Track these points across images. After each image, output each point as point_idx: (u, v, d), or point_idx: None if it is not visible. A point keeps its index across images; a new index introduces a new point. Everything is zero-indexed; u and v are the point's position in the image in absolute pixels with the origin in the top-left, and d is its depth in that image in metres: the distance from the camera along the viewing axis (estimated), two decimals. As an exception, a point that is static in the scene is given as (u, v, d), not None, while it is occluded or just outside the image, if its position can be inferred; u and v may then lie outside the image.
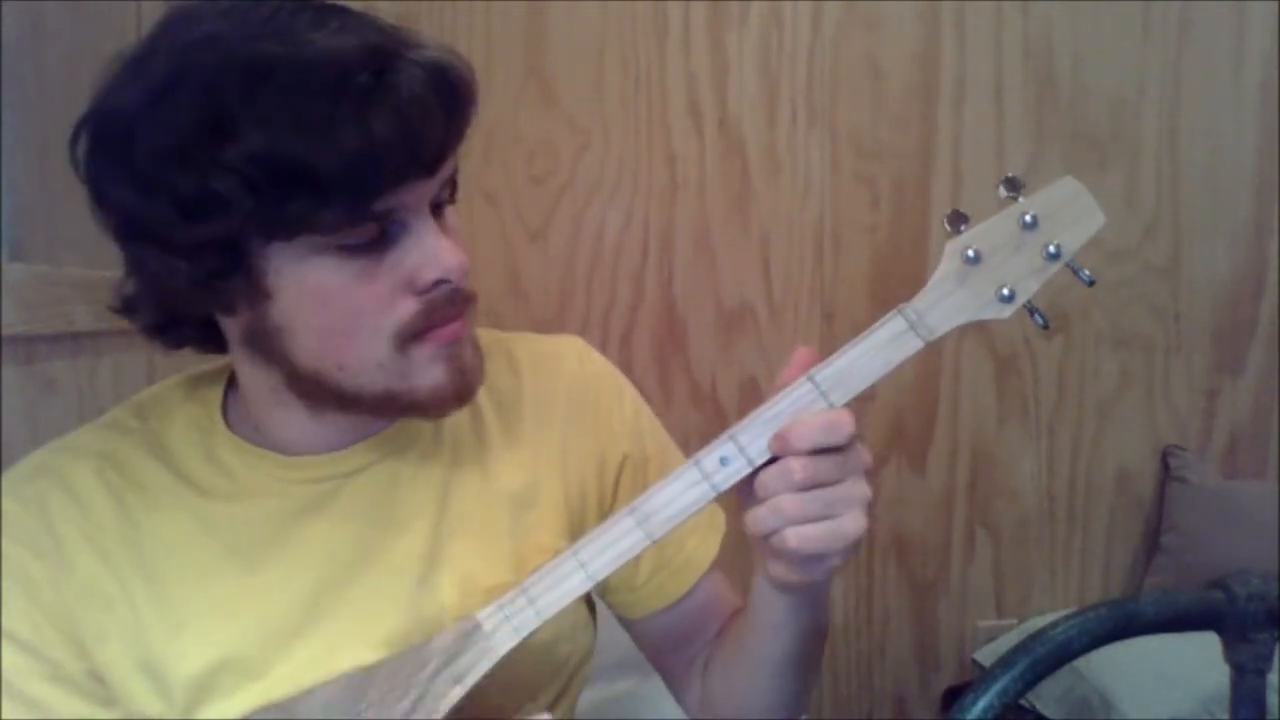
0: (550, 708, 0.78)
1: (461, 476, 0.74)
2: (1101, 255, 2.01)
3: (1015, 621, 2.09)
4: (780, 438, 0.60)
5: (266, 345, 0.65)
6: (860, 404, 0.62)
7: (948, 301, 0.61)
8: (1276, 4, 2.06)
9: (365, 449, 0.72)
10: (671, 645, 0.83)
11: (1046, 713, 1.81)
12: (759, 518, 0.60)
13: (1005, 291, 0.61)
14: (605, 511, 0.79)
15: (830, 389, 0.61)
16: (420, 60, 0.60)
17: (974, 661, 2.03)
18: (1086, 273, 0.62)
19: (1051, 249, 0.61)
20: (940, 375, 2.05)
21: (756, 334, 1.99)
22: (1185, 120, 2.07)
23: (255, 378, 0.69)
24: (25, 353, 1.02)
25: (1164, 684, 1.65)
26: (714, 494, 0.62)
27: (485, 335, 0.75)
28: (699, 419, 1.97)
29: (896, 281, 1.99)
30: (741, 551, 0.84)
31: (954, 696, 1.74)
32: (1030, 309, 0.63)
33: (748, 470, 0.62)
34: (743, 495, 0.63)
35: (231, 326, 0.67)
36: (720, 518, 0.82)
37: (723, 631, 0.81)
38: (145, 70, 0.60)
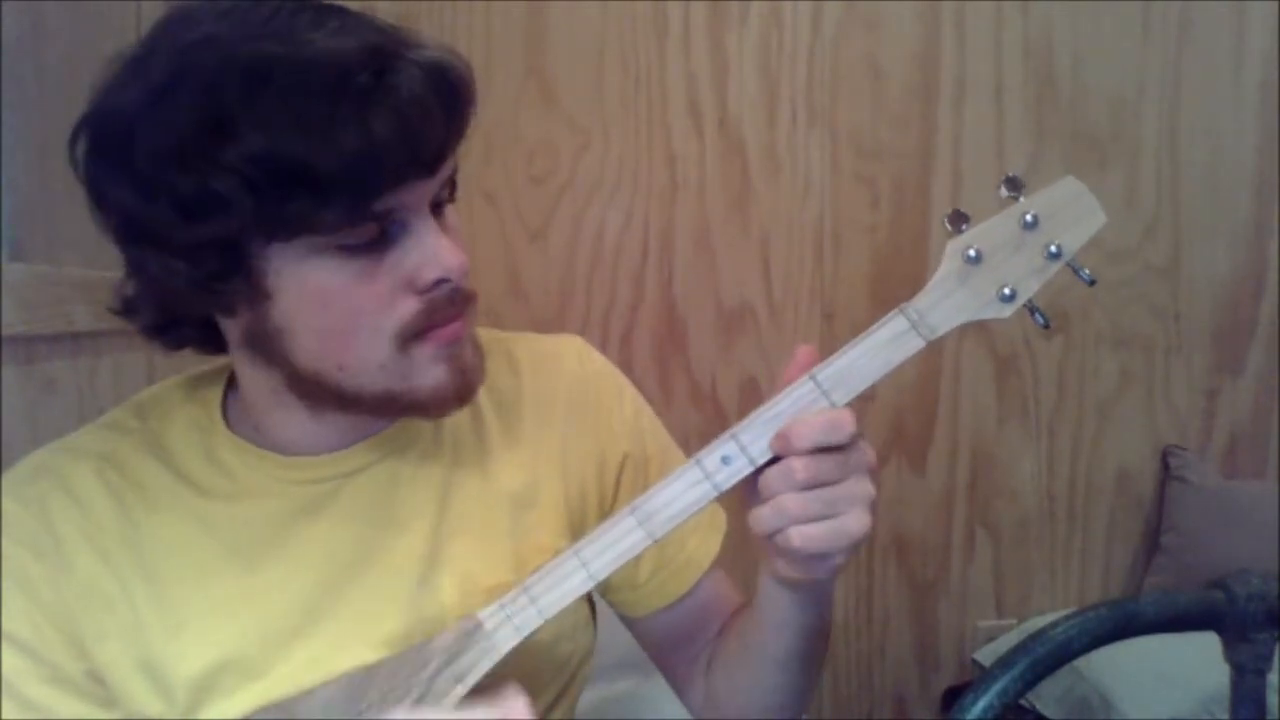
0: (550, 708, 0.78)
1: (461, 477, 0.74)
2: (1101, 255, 2.01)
3: (1015, 621, 2.09)
4: (781, 437, 0.60)
5: (267, 346, 0.65)
6: (860, 404, 0.62)
7: (949, 301, 0.61)
8: (1276, 4, 2.06)
9: (365, 449, 0.72)
10: (674, 644, 0.83)
11: (1046, 713, 1.81)
12: (762, 517, 0.61)
13: (1006, 291, 0.61)
14: (606, 511, 0.80)
15: (832, 388, 0.61)
16: (420, 60, 0.60)
17: (974, 661, 2.03)
18: (1087, 272, 0.62)
19: (1052, 248, 0.61)
20: (940, 375, 2.05)
21: (756, 334, 1.99)
22: (1185, 120, 2.07)
23: (255, 378, 0.69)
24: (25, 353, 1.02)
25: (1164, 684, 1.65)
26: (715, 493, 0.62)
27: (485, 335, 0.75)
28: (699, 419, 1.97)
29: (896, 281, 1.99)
30: (742, 550, 0.84)
31: (954, 696, 1.74)
32: (1031, 308, 0.63)
33: (749, 469, 0.62)
34: (747, 495, 0.63)
35: (231, 327, 0.67)
36: (721, 517, 0.82)
37: (726, 629, 0.81)
38: (145, 71, 0.60)
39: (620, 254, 1.95)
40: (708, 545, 0.81)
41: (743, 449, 0.62)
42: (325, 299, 0.62)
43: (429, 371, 0.65)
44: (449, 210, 0.67)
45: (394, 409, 0.68)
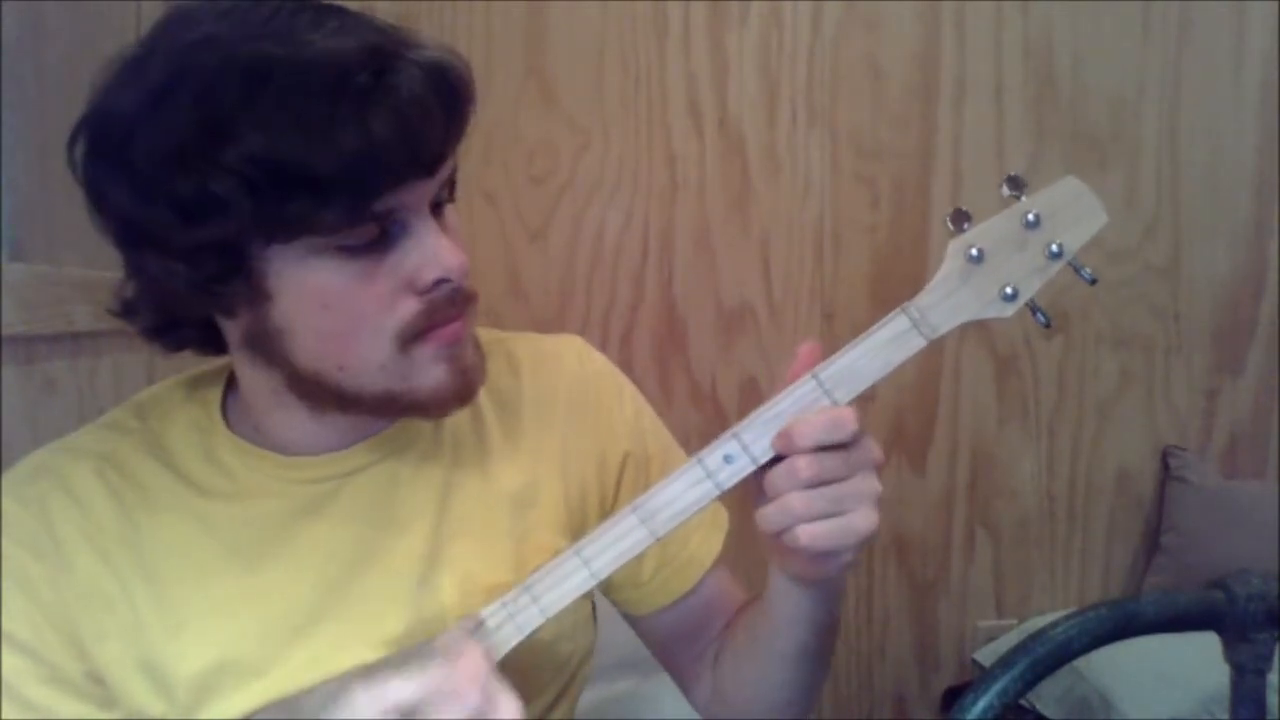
0: (551, 707, 0.78)
1: (462, 477, 0.74)
2: (1101, 255, 2.01)
3: (1015, 621, 2.09)
4: (783, 436, 0.60)
5: (267, 347, 0.65)
6: (860, 404, 0.62)
7: (951, 300, 0.62)
8: (1276, 4, 2.06)
9: (365, 449, 0.72)
10: (678, 641, 0.83)
11: (1046, 713, 1.81)
12: (768, 516, 0.61)
13: (1008, 290, 0.61)
14: (607, 511, 0.80)
15: (834, 387, 0.61)
16: (419, 60, 0.60)
17: (974, 661, 2.03)
18: (1088, 271, 0.62)
19: (1054, 248, 0.61)
20: (940, 375, 2.05)
21: (756, 334, 1.99)
22: (1185, 120, 2.07)
23: (256, 379, 0.69)
24: (25, 353, 1.02)
25: (1164, 684, 1.65)
26: (717, 492, 0.62)
27: (485, 335, 0.75)
28: (699, 419, 1.97)
29: (896, 281, 1.99)
30: (744, 548, 0.84)
31: (954, 696, 1.74)
32: (1032, 307, 0.63)
33: (751, 468, 0.62)
34: (754, 494, 0.63)
35: (232, 329, 0.67)
36: (723, 515, 0.82)
37: (733, 625, 0.81)
38: (144, 72, 0.59)
39: (620, 254, 1.95)
40: (710, 543, 0.81)
41: (745, 448, 0.62)
42: (325, 300, 0.62)
43: (429, 372, 0.65)
44: (449, 210, 0.67)
45: (394, 409, 0.68)
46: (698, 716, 0.86)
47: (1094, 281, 0.61)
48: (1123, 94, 2.05)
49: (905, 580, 2.09)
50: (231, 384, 0.74)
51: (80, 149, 0.61)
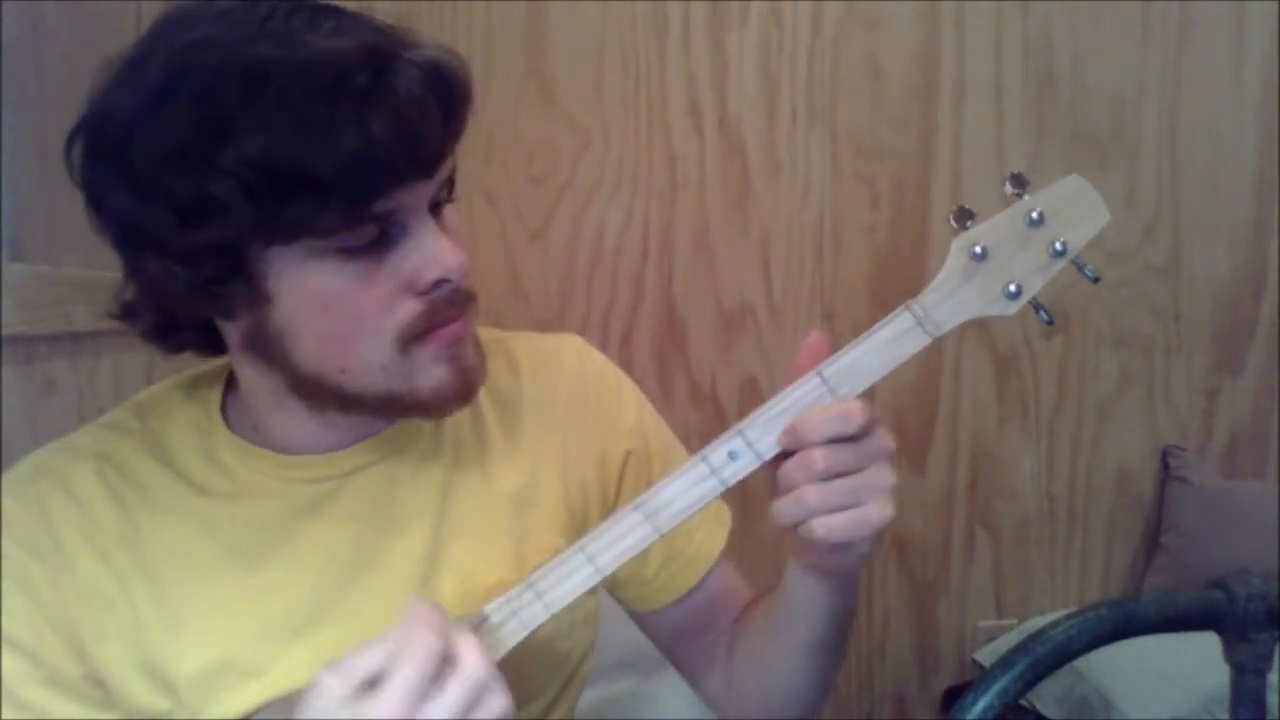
0: (550, 706, 0.78)
1: (462, 477, 0.74)
2: (1102, 255, 2.00)
3: (1015, 621, 2.09)
4: (790, 430, 0.60)
5: (267, 349, 0.65)
6: (862, 400, 0.62)
7: (955, 298, 0.62)
8: (1276, 4, 2.06)
9: (365, 449, 0.72)
10: (685, 637, 0.84)
11: (1046, 713, 1.81)
12: (783, 509, 0.61)
13: (1012, 288, 0.61)
14: (608, 510, 0.80)
15: (838, 384, 0.61)
16: (417, 60, 0.60)
17: (974, 661, 2.03)
18: (1091, 269, 0.62)
19: (1058, 246, 0.61)
20: (940, 375, 2.05)
21: (756, 334, 1.99)
22: (1185, 120, 2.07)
23: (256, 380, 0.69)
24: (25, 353, 1.02)
25: (1164, 684, 1.65)
26: (721, 489, 0.62)
27: (485, 335, 0.74)
28: (699, 419, 1.97)
29: (896, 281, 1.99)
30: (744, 548, 0.84)
31: (954, 696, 1.74)
32: (1035, 305, 0.63)
33: (755, 465, 0.62)
34: (770, 487, 0.63)
35: (232, 331, 0.67)
36: (726, 511, 0.83)
37: (747, 617, 0.81)
38: (141, 74, 0.59)
39: (620, 254, 1.95)
40: (714, 539, 0.82)
41: (749, 445, 0.62)
42: (325, 302, 0.62)
43: (430, 372, 0.65)
44: (448, 210, 0.67)
45: (396, 410, 0.68)
46: (697, 717, 0.86)
47: (1097, 280, 0.61)
48: (1123, 94, 2.05)
49: (905, 580, 2.09)
50: (231, 384, 0.74)
51: (78, 151, 0.61)
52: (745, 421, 0.62)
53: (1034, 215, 0.61)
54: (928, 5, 1.99)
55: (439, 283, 0.63)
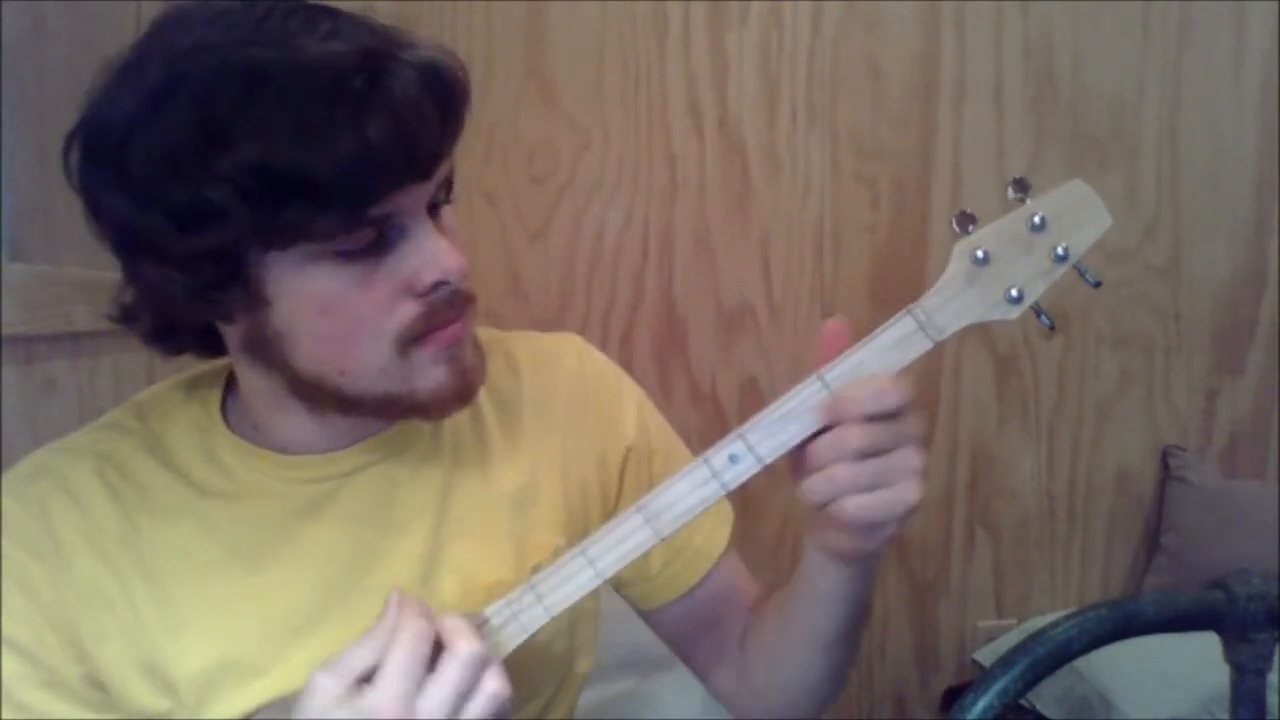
0: (547, 706, 0.78)
1: (461, 477, 0.74)
2: (1102, 255, 1.99)
3: (1015, 621, 2.09)
4: (833, 404, 0.60)
5: (266, 352, 0.65)
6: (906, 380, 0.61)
7: (956, 302, 0.62)
8: (1276, 4, 2.06)
9: (365, 449, 0.72)
10: (692, 633, 0.84)
11: (1046, 713, 1.81)
12: (813, 487, 0.60)
13: (1014, 293, 0.61)
14: (610, 508, 0.80)
15: (840, 388, 0.61)
16: (413, 61, 0.59)
17: (974, 661, 2.03)
18: (1093, 275, 0.62)
19: (1060, 251, 0.61)
20: (940, 375, 2.05)
21: (756, 334, 1.99)
22: (1185, 120, 2.07)
23: (255, 382, 0.69)
24: (25, 353, 1.02)
25: (1164, 684, 1.65)
26: (723, 492, 0.62)
27: (484, 335, 0.74)
28: (699, 419, 1.97)
29: (896, 281, 2.00)
30: (744, 549, 0.84)
31: (954, 696, 1.74)
32: (1037, 310, 0.63)
33: (757, 468, 0.62)
34: (794, 466, 0.62)
35: (231, 333, 0.67)
36: (728, 509, 0.83)
37: (760, 610, 0.81)
38: (136, 79, 0.59)
39: (620, 254, 1.95)
40: (717, 535, 0.82)
41: (750, 448, 0.62)
42: (324, 305, 0.62)
43: (429, 374, 0.65)
44: (446, 211, 0.67)
45: (395, 411, 0.67)
46: (698, 717, 0.86)
47: (1098, 285, 0.61)
48: (1123, 94, 2.05)
49: (905, 580, 2.09)
50: (231, 384, 0.74)
51: (75, 156, 0.61)
52: (747, 425, 0.62)
53: (1036, 220, 0.61)
54: (928, 5, 1.99)
55: (437, 285, 0.63)
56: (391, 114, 0.57)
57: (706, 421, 1.96)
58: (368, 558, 0.70)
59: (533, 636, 0.64)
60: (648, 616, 0.85)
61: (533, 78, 1.89)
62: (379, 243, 0.62)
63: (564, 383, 0.80)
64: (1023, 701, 1.80)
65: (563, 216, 1.93)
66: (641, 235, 1.96)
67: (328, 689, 0.56)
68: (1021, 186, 0.61)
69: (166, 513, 0.69)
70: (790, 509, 1.94)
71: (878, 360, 0.61)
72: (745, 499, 0.77)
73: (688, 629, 0.84)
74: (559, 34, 1.89)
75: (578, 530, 0.76)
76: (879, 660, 2.11)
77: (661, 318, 1.97)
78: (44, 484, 0.69)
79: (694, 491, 0.62)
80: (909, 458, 0.60)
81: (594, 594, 0.64)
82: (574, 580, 0.63)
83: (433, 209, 0.65)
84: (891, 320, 0.62)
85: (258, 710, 0.67)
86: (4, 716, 0.66)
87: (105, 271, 0.68)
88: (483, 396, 0.75)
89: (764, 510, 1.94)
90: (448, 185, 0.66)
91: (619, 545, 0.63)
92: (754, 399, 1.97)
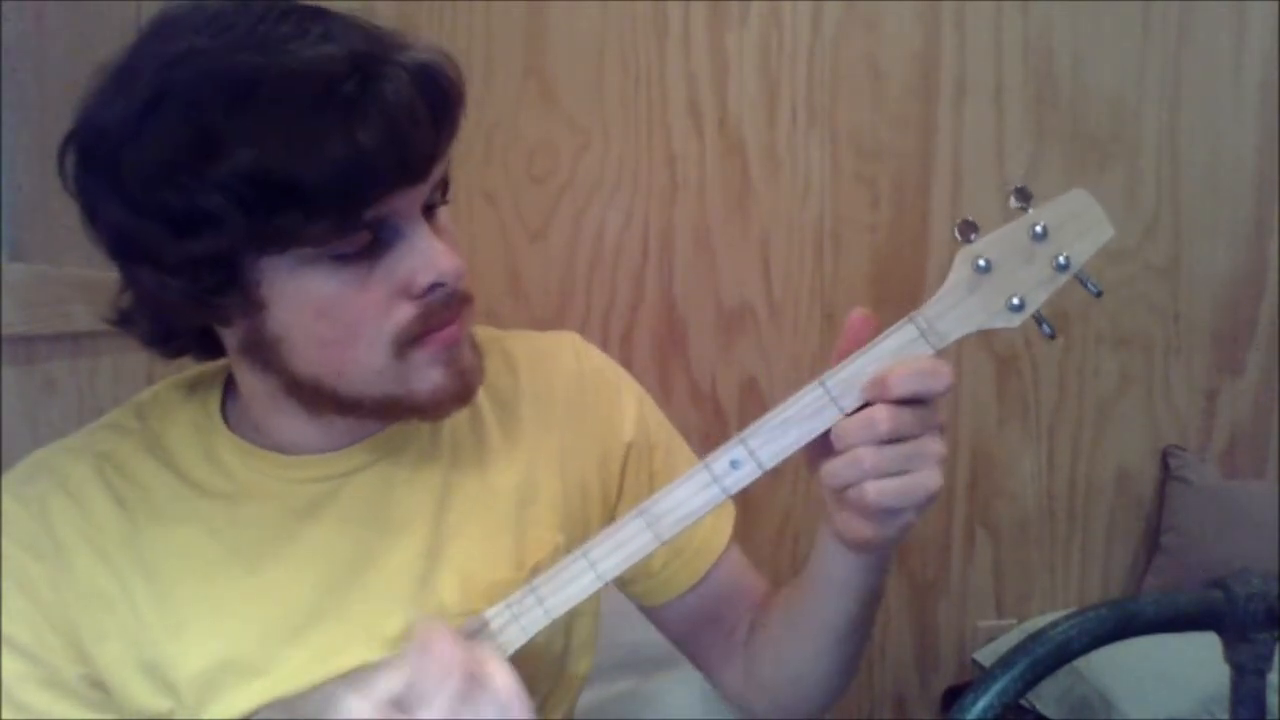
0: (544, 706, 0.78)
1: (460, 476, 0.74)
2: (1102, 255, 1.94)
3: (1015, 621, 2.09)
4: (878, 382, 0.60)
5: (264, 354, 0.65)
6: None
7: (958, 310, 0.62)
8: (1276, 4, 2.06)
9: (364, 449, 0.72)
10: (697, 629, 0.84)
11: (1046, 713, 1.81)
12: (836, 470, 0.60)
13: (1015, 301, 0.61)
14: (610, 505, 0.80)
15: (840, 394, 0.61)
16: (406, 63, 0.59)
17: (974, 661, 2.03)
18: (1094, 284, 0.62)
19: (1061, 260, 0.61)
20: (940, 375, 2.05)
21: (756, 334, 1.99)
22: (1185, 120, 2.07)
23: (254, 383, 0.69)
24: (25, 353, 1.02)
25: (1164, 684, 1.65)
26: (724, 496, 0.62)
27: (482, 334, 0.75)
28: (699, 419, 1.97)
29: (896, 281, 2.00)
30: (746, 547, 0.84)
31: (954, 696, 1.74)
32: (1038, 319, 0.63)
33: (757, 474, 0.62)
34: (812, 452, 0.62)
35: (229, 336, 0.67)
36: (729, 504, 0.82)
37: (767, 605, 0.81)
38: (129, 86, 0.59)
39: (620, 254, 1.95)
40: (719, 531, 0.82)
41: (751, 453, 0.62)
42: (321, 308, 0.62)
43: (427, 375, 0.65)
44: (442, 212, 0.67)
45: (394, 412, 0.68)
46: (698, 717, 0.86)
47: (1100, 294, 0.62)
48: (1123, 94, 2.05)
49: (905, 580, 2.09)
50: (231, 384, 0.74)
51: (71, 161, 0.61)
52: (748, 430, 0.62)
53: (1037, 229, 0.61)
54: (928, 5, 1.99)
55: (434, 286, 0.63)
56: (383, 117, 0.57)
57: (706, 422, 1.96)
58: (367, 557, 0.70)
59: (532, 640, 0.64)
60: (651, 614, 0.85)
61: (532, 78, 1.89)
62: (374, 245, 0.62)
63: (562, 381, 0.80)
64: (1023, 701, 1.80)
65: (563, 216, 1.93)
66: (641, 235, 1.96)
67: (356, 709, 0.56)
68: (1023, 195, 0.61)
69: (166, 513, 0.69)
70: (790, 509, 1.95)
71: (879, 367, 0.61)
72: (745, 499, 0.76)
73: (692, 625, 0.84)
74: (559, 34, 1.89)
75: (577, 528, 0.76)
76: (879, 660, 2.11)
77: (661, 318, 1.97)
78: (44, 484, 0.69)
79: (695, 496, 0.63)
80: (932, 444, 0.60)
81: (595, 592, 0.65)
82: (575, 583, 0.63)
83: (428, 210, 0.65)
84: (893, 327, 0.62)
85: (258, 710, 0.67)
86: (4, 716, 0.66)
87: (105, 271, 0.68)
88: (481, 395, 0.75)
89: (764, 510, 1.93)
90: (443, 186, 0.66)
91: (621, 548, 0.63)
92: (754, 399, 1.97)
